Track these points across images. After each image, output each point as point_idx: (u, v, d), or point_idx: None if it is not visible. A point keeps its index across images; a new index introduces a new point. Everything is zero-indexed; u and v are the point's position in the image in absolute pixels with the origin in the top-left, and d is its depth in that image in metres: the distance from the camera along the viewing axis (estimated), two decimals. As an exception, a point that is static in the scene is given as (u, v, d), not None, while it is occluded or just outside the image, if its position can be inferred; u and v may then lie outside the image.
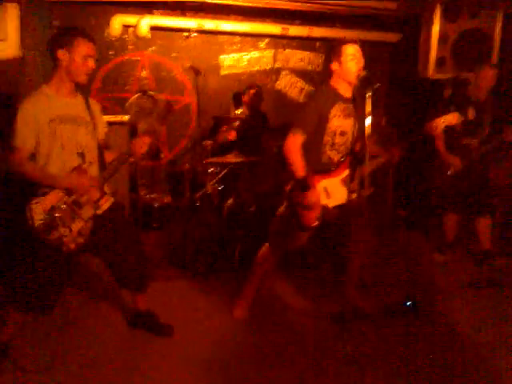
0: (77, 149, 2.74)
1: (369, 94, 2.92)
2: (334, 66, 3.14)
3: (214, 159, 4.53)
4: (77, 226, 2.70)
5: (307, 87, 6.09)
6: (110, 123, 4.37)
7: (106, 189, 2.88)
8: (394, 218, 5.53)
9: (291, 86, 6.06)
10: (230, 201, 4.49)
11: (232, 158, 4.44)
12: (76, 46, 2.65)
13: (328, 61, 3.24)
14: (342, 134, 3.15)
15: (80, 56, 2.66)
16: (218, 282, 4.01)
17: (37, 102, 2.63)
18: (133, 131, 4.88)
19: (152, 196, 5.07)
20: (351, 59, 3.07)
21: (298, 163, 3.00)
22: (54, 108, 2.67)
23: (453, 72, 5.08)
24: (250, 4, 5.32)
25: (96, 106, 2.95)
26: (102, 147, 2.95)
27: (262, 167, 4.63)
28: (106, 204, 2.82)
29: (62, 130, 2.68)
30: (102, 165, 2.89)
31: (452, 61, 5.03)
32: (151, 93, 5.44)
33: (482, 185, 4.30)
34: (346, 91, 3.16)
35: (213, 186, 4.54)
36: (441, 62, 5.03)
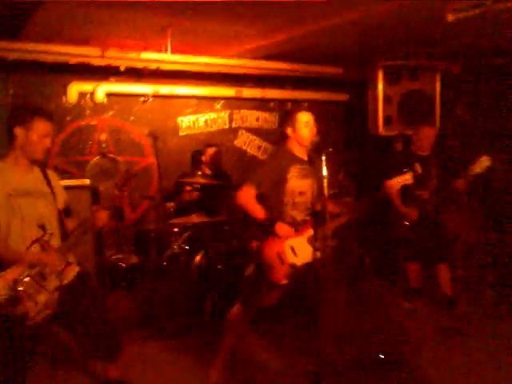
0: (37, 221, 2.75)
1: (323, 158, 3.11)
2: (289, 131, 3.34)
3: (178, 220, 4.59)
4: (42, 298, 2.66)
5: (265, 144, 6.33)
6: (71, 187, 4.44)
7: (70, 258, 2.87)
8: (361, 268, 5.66)
9: (249, 144, 6.28)
10: (198, 260, 4.52)
11: (195, 219, 4.53)
12: (34, 126, 2.70)
13: (283, 125, 3.44)
14: (302, 193, 3.29)
15: (37, 135, 2.71)
16: (190, 341, 3.99)
17: None
18: (94, 194, 4.89)
19: (118, 257, 5.03)
20: (305, 126, 3.29)
21: (255, 208, 3.16)
22: (11, 183, 2.69)
23: (399, 129, 5.44)
24: (204, 69, 5.55)
25: (54, 177, 2.98)
26: (63, 216, 2.96)
27: (226, 226, 4.72)
28: (70, 274, 2.80)
29: (21, 203, 2.69)
30: (64, 234, 2.89)
31: (398, 119, 5.41)
32: (111, 155, 5.50)
33: (438, 233, 4.55)
34: (301, 154, 3.35)
35: (179, 246, 4.58)
36: (388, 120, 5.39)
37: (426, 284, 4.86)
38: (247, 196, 3.17)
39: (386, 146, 5.67)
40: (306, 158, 3.36)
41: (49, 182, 2.88)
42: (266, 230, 3.16)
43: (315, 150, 3.26)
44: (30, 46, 4.73)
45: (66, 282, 2.76)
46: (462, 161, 4.65)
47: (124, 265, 4.80)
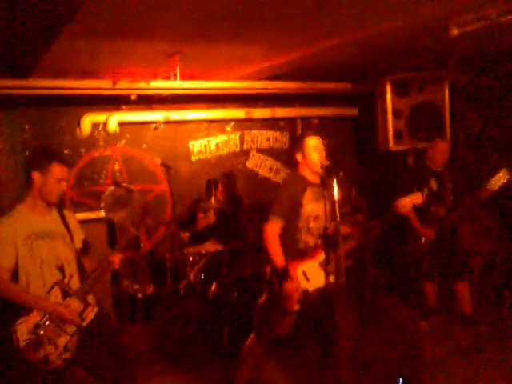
0: (56, 263, 2.83)
1: (334, 182, 3.11)
2: (299, 157, 3.37)
3: (193, 249, 4.64)
4: (62, 341, 2.72)
5: (276, 165, 6.34)
6: (87, 221, 4.51)
7: (90, 298, 2.93)
8: (375, 287, 5.60)
9: (261, 165, 6.29)
10: (213, 287, 4.54)
11: (211, 247, 4.58)
12: (51, 170, 2.79)
13: (292, 151, 3.46)
14: (316, 218, 3.31)
15: (54, 179, 2.80)
16: (208, 371, 3.98)
17: (13, 222, 2.75)
18: (110, 226, 4.95)
19: (135, 287, 5.06)
20: (313, 150, 3.31)
21: (276, 253, 3.17)
22: (30, 225, 2.78)
23: (410, 143, 5.40)
24: (213, 92, 5.59)
25: (71, 217, 3.06)
26: (80, 256, 3.03)
27: (241, 251, 4.74)
28: (90, 315, 2.86)
29: (40, 246, 2.78)
30: (83, 275, 2.97)
31: (408, 133, 5.36)
32: (125, 184, 5.58)
33: (456, 251, 4.47)
34: (313, 178, 3.36)
35: (195, 275, 4.60)
36: (398, 134, 5.36)
37: (444, 301, 4.80)
38: (273, 232, 3.21)
39: (397, 160, 5.63)
40: (318, 182, 3.37)
41: (66, 223, 2.96)
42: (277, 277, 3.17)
43: (327, 174, 3.27)
44: (43, 82, 4.82)
45: (85, 323, 2.82)
46: (476, 174, 4.59)
47: (141, 295, 4.84)
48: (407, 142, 5.39)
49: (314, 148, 3.32)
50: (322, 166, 3.27)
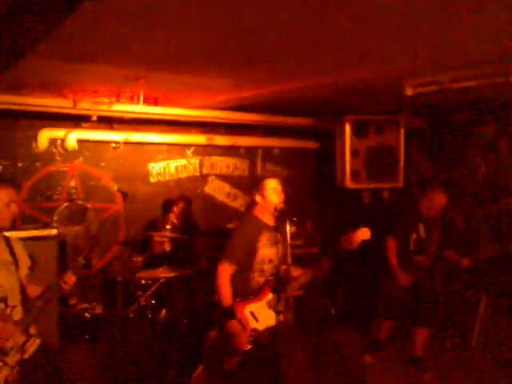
0: None
1: (288, 225, 3.20)
2: (258, 198, 3.47)
3: (146, 273, 4.60)
4: (3, 374, 2.64)
5: (234, 191, 6.39)
6: (38, 238, 4.41)
7: (32, 329, 2.84)
8: (325, 317, 5.65)
9: (219, 190, 6.33)
10: (163, 314, 4.52)
11: (163, 272, 4.54)
12: None
13: (251, 193, 3.57)
14: (270, 261, 3.43)
15: (2, 204, 2.72)
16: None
17: None
18: (62, 244, 4.84)
19: (83, 306, 4.90)
20: (273, 193, 3.41)
21: (224, 294, 3.27)
22: None
23: (366, 183, 5.57)
24: (175, 119, 5.62)
25: (17, 243, 2.96)
26: (25, 285, 2.93)
27: (194, 279, 4.74)
28: (32, 347, 2.77)
29: None
30: (26, 306, 2.86)
31: (365, 172, 5.53)
32: (80, 202, 5.49)
33: (427, 299, 4.45)
34: (269, 220, 3.47)
35: (146, 300, 4.56)
36: (355, 173, 5.51)
37: (397, 339, 4.82)
38: (224, 276, 3.30)
39: (353, 197, 5.79)
40: (273, 224, 3.47)
41: (12, 250, 2.87)
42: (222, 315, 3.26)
43: (281, 217, 3.35)
44: (4, 97, 4.74)
45: (27, 355, 2.74)
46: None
47: (89, 315, 4.72)
48: (363, 181, 5.55)
49: (273, 190, 3.43)
50: (276, 209, 3.36)
